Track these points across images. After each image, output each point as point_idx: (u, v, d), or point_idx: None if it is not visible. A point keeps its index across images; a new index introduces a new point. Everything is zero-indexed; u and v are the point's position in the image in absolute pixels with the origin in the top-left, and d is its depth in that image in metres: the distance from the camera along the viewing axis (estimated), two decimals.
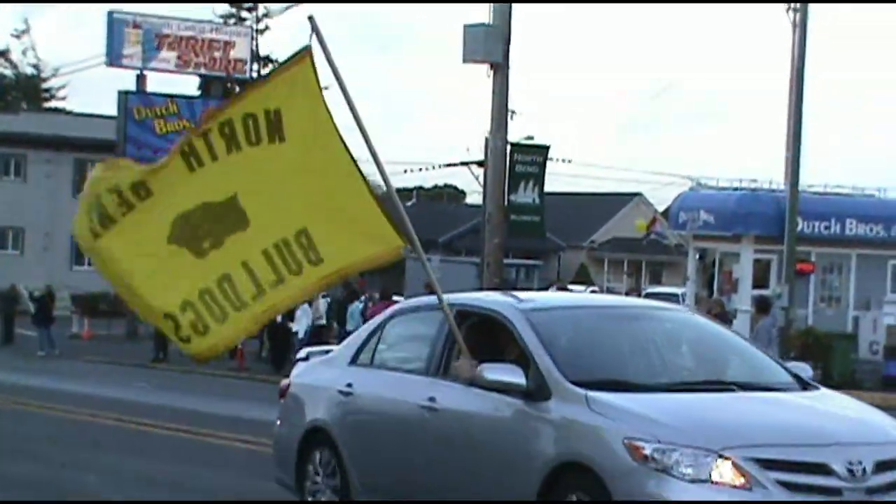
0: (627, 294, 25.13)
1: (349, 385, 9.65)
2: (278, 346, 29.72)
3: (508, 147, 25.23)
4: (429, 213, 63.03)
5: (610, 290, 50.18)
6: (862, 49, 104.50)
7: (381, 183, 9.58)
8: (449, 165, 45.00)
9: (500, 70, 24.07)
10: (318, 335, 29.89)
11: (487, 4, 23.66)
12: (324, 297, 30.26)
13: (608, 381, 8.21)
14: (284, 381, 10.56)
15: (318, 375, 10.13)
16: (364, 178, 8.47)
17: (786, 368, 8.93)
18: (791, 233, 28.82)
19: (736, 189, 35.65)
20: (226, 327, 8.35)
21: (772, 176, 36.32)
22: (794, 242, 28.86)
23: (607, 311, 9.64)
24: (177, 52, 41.00)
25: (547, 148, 29.81)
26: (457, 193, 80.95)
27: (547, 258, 64.29)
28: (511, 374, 8.27)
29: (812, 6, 29.77)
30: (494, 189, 24.47)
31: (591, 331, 8.98)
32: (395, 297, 28.54)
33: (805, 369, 9.01)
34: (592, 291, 37.87)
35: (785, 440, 7.65)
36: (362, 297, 27.92)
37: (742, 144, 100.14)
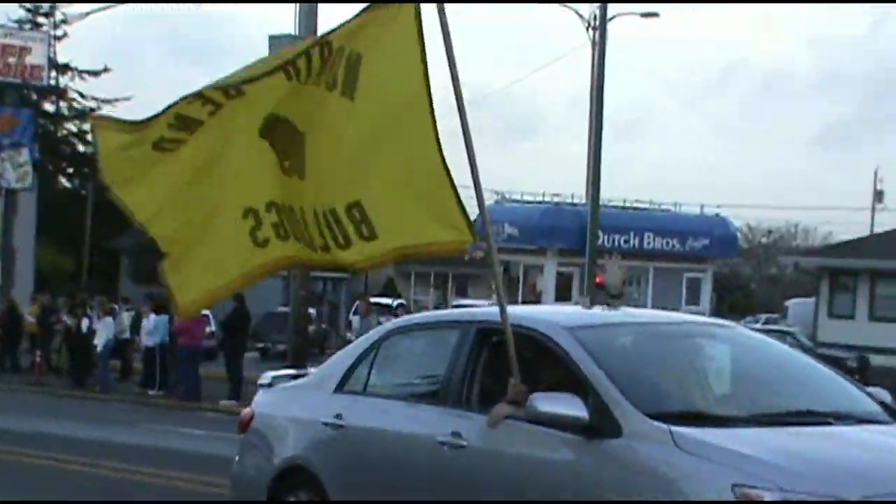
0: (437, 307, 25.33)
1: (338, 416, 8.15)
2: (78, 359, 28.99)
3: None
4: None
5: (416, 303, 50.48)
6: (659, 68, 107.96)
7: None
8: None
9: None
10: (120, 350, 29.31)
11: (293, 9, 23.62)
12: (128, 310, 29.64)
13: (687, 413, 6.81)
14: (246, 411, 9.01)
15: (293, 405, 8.63)
16: (444, 159, 7.21)
17: (867, 393, 7.58)
18: (592, 246, 29.56)
19: (539, 203, 36.37)
20: (299, 248, 7.43)
21: (574, 191, 37.23)
22: (595, 256, 29.61)
23: (658, 328, 8.02)
24: None
25: None
26: None
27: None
28: (570, 406, 6.76)
29: (611, 26, 30.65)
30: None
31: (649, 352, 7.57)
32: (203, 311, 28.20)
33: (884, 394, 7.66)
34: (399, 305, 38.05)
35: None
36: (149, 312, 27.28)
37: (547, 160, 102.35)
